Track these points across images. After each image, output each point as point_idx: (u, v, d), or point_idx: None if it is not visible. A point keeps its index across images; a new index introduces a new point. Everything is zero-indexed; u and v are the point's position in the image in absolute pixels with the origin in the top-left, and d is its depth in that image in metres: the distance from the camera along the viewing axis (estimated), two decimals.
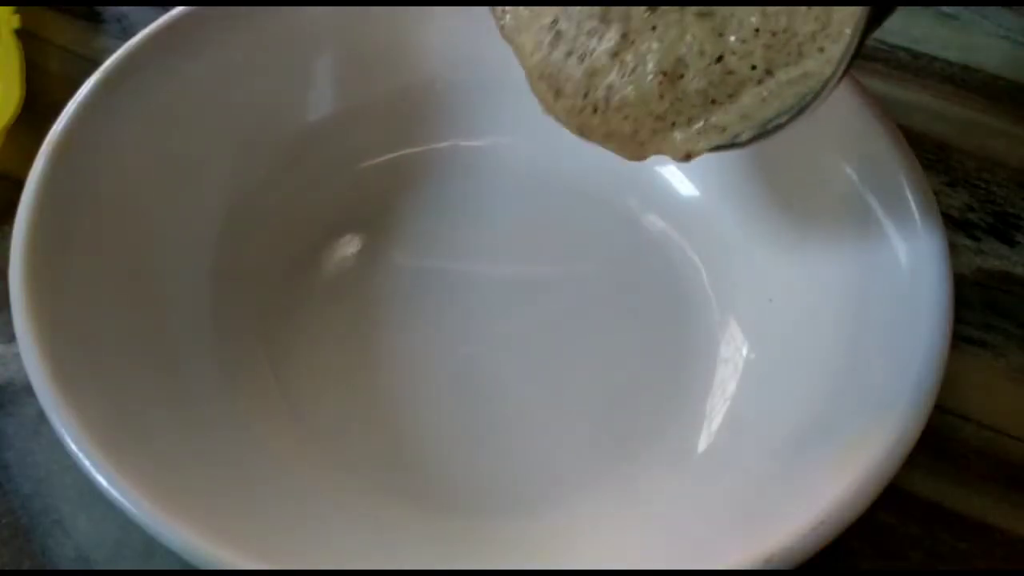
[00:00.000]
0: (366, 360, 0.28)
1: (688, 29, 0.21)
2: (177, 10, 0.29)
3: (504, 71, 0.32)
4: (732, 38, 0.20)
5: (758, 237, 0.29)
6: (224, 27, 0.29)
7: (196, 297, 0.27)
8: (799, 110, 0.21)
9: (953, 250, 0.25)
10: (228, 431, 0.25)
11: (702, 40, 0.21)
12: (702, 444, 0.26)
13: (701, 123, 0.21)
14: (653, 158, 0.31)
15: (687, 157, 0.22)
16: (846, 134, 0.27)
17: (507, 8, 0.24)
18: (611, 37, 0.21)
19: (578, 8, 0.22)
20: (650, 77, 0.21)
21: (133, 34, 0.28)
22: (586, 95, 0.22)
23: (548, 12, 0.23)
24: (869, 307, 0.25)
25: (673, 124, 0.21)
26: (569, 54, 0.22)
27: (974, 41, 0.38)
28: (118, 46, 0.28)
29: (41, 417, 0.22)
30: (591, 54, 0.22)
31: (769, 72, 0.20)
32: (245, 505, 0.23)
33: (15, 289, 0.23)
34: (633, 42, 0.21)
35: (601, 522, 0.25)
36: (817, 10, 0.20)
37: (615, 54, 0.22)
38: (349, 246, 0.31)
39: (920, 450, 0.21)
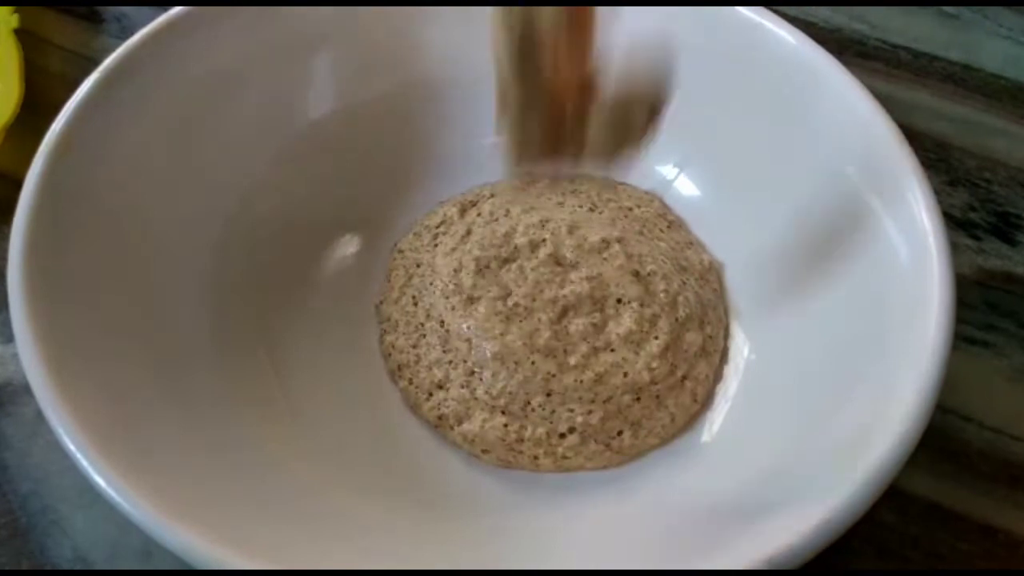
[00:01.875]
0: (365, 359, 0.28)
1: None
2: (176, 10, 0.29)
3: None
4: None
5: (759, 238, 0.29)
6: (223, 27, 0.29)
7: (196, 297, 0.27)
8: None
9: (954, 250, 0.24)
10: (226, 431, 0.25)
11: None
12: (703, 444, 0.26)
13: None
14: (653, 157, 0.31)
15: None
16: (847, 134, 0.27)
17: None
18: None
19: None
20: None
21: (132, 34, 0.28)
22: None
23: None
24: (870, 307, 0.25)
25: None
26: None
27: (975, 40, 0.38)
28: (117, 46, 0.28)
29: (39, 417, 0.22)
30: None
31: None
32: (243, 505, 0.23)
33: (14, 289, 0.23)
34: None
35: (602, 522, 0.25)
36: None
37: None
38: (349, 246, 0.31)
39: (921, 450, 0.21)
